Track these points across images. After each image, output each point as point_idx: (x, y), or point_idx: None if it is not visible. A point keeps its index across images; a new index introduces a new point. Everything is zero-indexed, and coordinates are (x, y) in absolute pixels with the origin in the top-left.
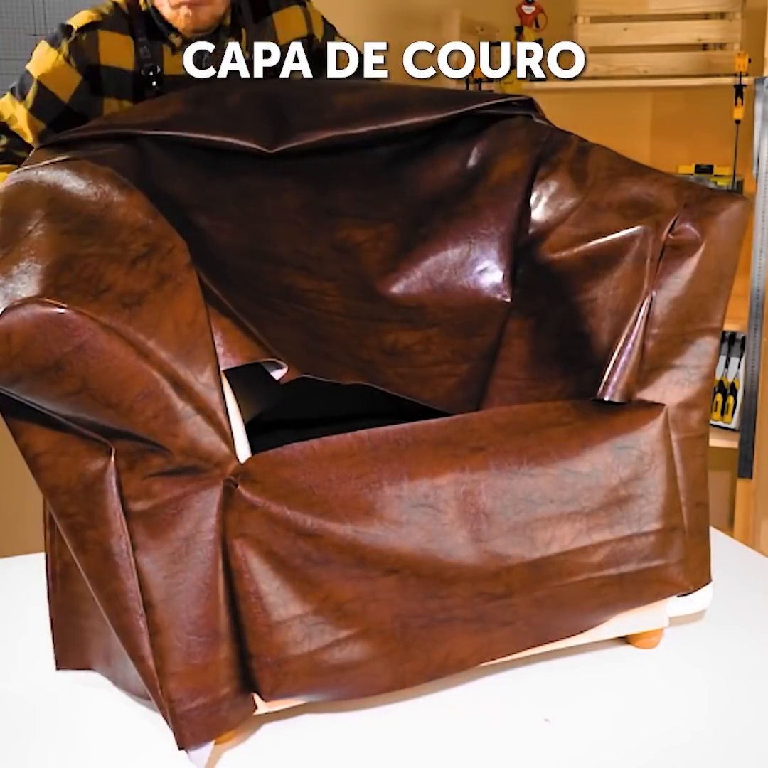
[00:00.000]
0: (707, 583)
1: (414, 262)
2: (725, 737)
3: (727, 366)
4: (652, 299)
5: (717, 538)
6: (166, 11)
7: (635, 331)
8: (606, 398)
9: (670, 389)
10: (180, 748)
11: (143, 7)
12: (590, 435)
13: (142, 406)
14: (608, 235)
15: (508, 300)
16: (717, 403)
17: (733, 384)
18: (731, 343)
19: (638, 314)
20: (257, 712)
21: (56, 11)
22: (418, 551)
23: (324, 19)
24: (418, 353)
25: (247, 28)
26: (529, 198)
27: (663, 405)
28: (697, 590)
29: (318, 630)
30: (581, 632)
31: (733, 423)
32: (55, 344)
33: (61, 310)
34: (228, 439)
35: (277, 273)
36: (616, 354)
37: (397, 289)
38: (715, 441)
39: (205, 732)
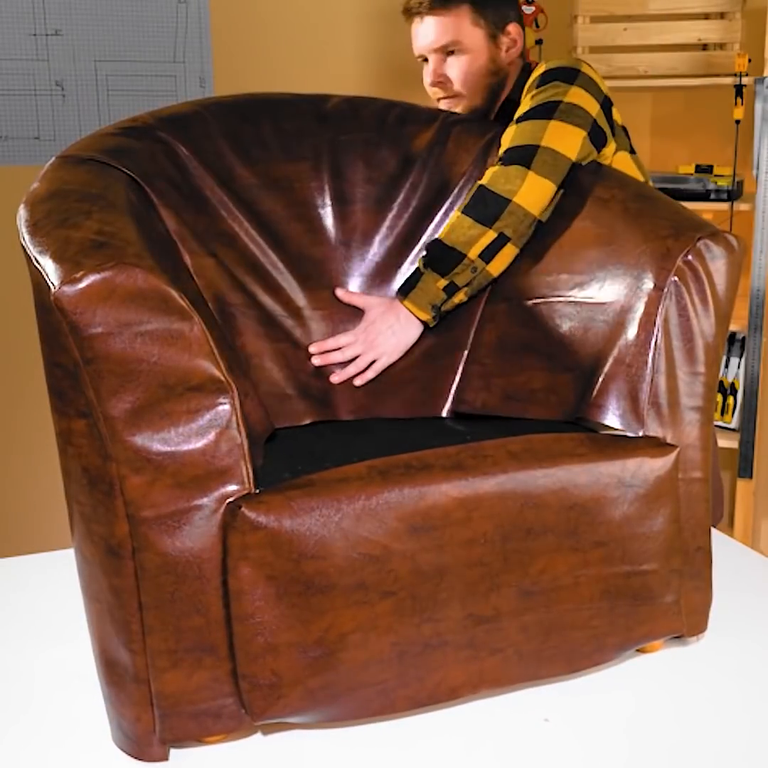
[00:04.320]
0: (703, 631)
1: (413, 258)
2: (726, 737)
3: (727, 366)
4: (660, 332)
5: (717, 538)
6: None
7: (648, 362)
8: (602, 421)
9: (683, 429)
10: (163, 743)
11: None
12: (600, 470)
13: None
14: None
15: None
16: (717, 402)
17: (733, 384)
18: (731, 343)
19: (650, 346)
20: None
21: (56, 11)
22: (415, 572)
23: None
24: (405, 384)
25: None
26: None
27: (675, 446)
28: (691, 636)
29: (318, 660)
30: (573, 671)
31: (733, 423)
32: (146, 312)
33: (163, 286)
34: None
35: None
36: (616, 378)
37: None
38: (717, 441)
39: (184, 736)
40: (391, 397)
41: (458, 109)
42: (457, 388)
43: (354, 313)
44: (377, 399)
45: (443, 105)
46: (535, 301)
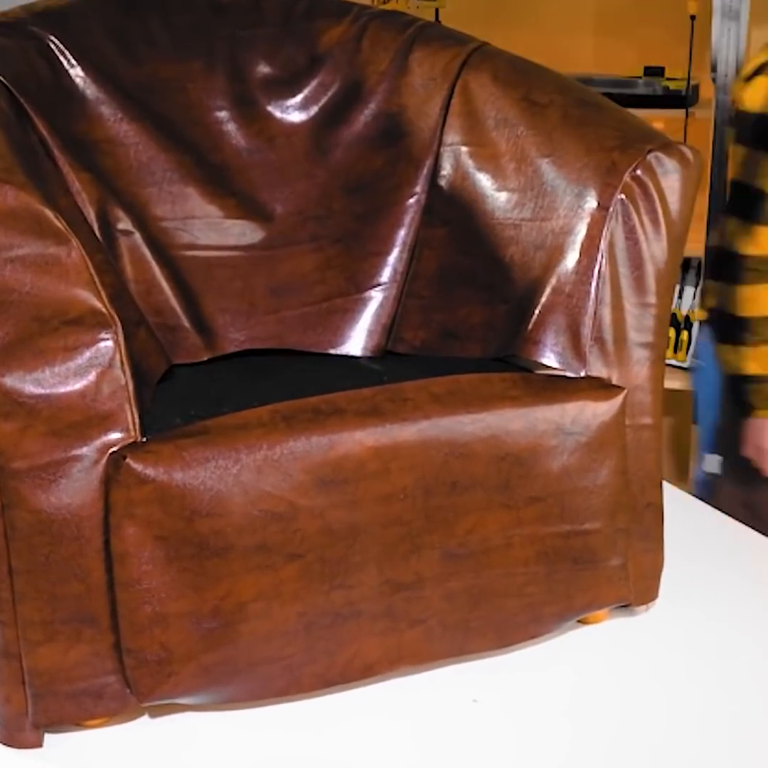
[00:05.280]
0: (653, 599)
1: (329, 165)
2: (675, 718)
3: (680, 296)
4: (604, 258)
5: (669, 493)
6: None
7: (591, 292)
8: (538, 360)
9: (630, 369)
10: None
11: None
12: (536, 415)
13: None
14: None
15: (424, 202)
16: (669, 338)
17: (687, 317)
18: (685, 270)
19: (592, 274)
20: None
21: None
22: (325, 532)
23: None
24: (311, 285)
25: None
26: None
27: (622, 388)
28: (640, 605)
29: (213, 632)
30: (505, 645)
31: (687, 361)
32: (16, 235)
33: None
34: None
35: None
36: (555, 310)
37: (306, 194)
38: (666, 382)
39: (60, 719)
40: (311, 331)
41: None
42: (394, 324)
43: (260, 224)
44: (291, 332)
45: None
46: (475, 224)
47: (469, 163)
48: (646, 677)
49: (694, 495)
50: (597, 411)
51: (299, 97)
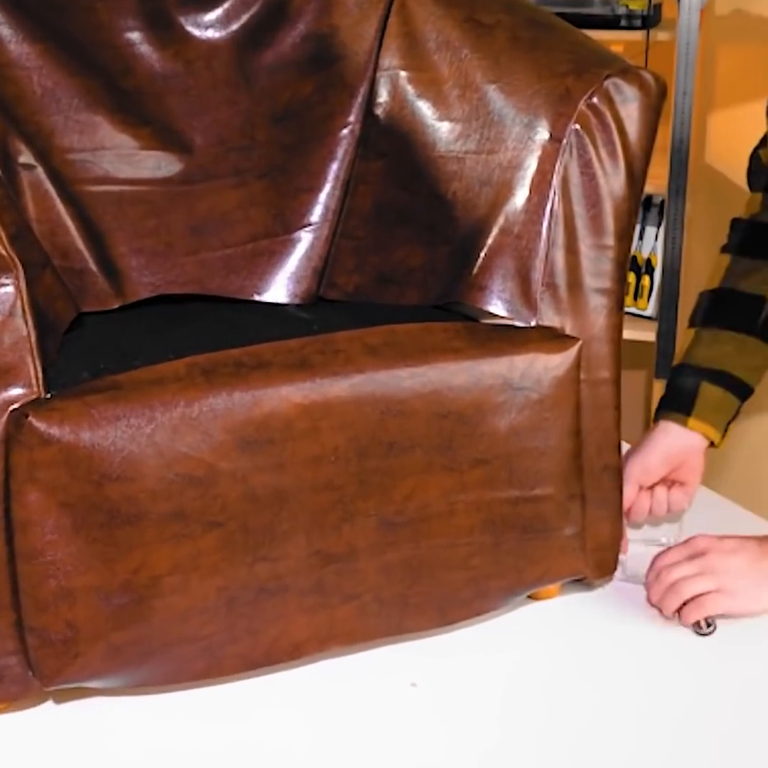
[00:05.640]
0: (611, 573)
1: (253, 92)
2: (635, 704)
3: (641, 238)
4: (556, 195)
5: None
6: None
7: (542, 232)
8: (484, 307)
9: (586, 317)
10: None
11: None
12: (481, 369)
13: None
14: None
15: (358, 133)
16: (629, 284)
17: (648, 260)
18: (646, 208)
19: (544, 212)
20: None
21: None
22: (248, 498)
23: None
24: (234, 224)
25: None
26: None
27: (577, 339)
28: (597, 579)
29: (125, 608)
30: (447, 624)
31: (649, 310)
32: None
33: None
34: None
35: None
36: (502, 253)
37: (228, 123)
38: (628, 332)
39: None
40: (234, 275)
41: None
42: (325, 268)
43: (177, 156)
44: (212, 276)
45: None
46: (414, 157)
47: (408, 90)
48: (603, 658)
49: None
50: (549, 364)
51: (218, 12)
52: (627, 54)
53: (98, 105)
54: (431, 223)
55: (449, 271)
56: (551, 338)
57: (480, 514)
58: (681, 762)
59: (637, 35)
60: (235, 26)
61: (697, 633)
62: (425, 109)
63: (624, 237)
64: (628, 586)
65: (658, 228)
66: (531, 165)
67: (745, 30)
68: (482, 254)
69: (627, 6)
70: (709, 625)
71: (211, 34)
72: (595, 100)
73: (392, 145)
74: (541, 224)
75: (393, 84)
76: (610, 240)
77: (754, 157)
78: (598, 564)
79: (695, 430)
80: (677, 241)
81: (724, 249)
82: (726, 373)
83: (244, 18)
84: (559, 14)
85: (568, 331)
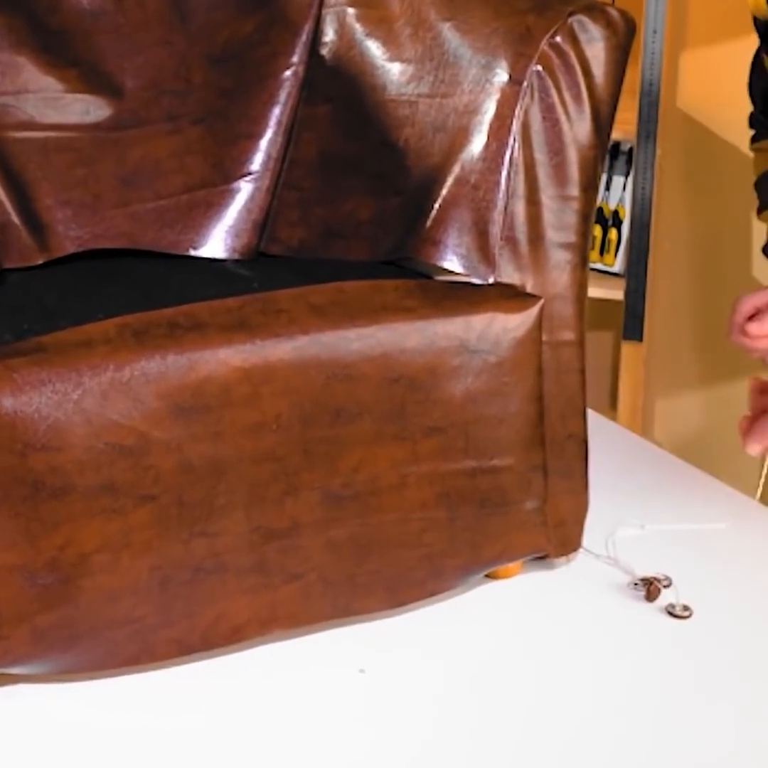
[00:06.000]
0: (575, 549)
1: (189, 31)
2: (596, 688)
3: (608, 188)
4: (516, 141)
5: (595, 423)
6: None
7: (501, 182)
8: (438, 263)
9: (548, 274)
10: None
11: None
12: (435, 330)
13: None
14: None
15: (302, 75)
16: (595, 238)
17: (616, 212)
18: (614, 156)
19: (503, 161)
20: None
21: None
22: (183, 469)
23: None
24: (168, 174)
25: None
26: None
27: (538, 297)
28: (560, 556)
29: (50, 589)
30: (398, 605)
31: (617, 266)
32: None
33: None
34: None
35: None
36: (458, 204)
37: (162, 65)
38: (593, 290)
39: None
40: (168, 228)
41: None
42: (267, 221)
43: (106, 100)
44: (144, 230)
45: None
46: (363, 101)
47: (356, 28)
48: (566, 640)
49: None
50: (508, 324)
51: None
52: None
53: (21, 45)
54: (381, 173)
55: (401, 225)
56: (511, 297)
57: (434, 486)
58: (644, 745)
59: None
60: None
61: (671, 614)
62: (375, 48)
63: (589, 187)
64: (593, 564)
65: (626, 177)
66: (489, 109)
67: None
68: (436, 206)
69: None
70: (685, 609)
71: None
72: (558, 39)
73: (339, 88)
74: (500, 173)
75: (340, 22)
76: (574, 190)
77: (757, 63)
78: (561, 540)
79: None
80: (647, 192)
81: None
82: None
83: None
84: None
85: (528, 288)
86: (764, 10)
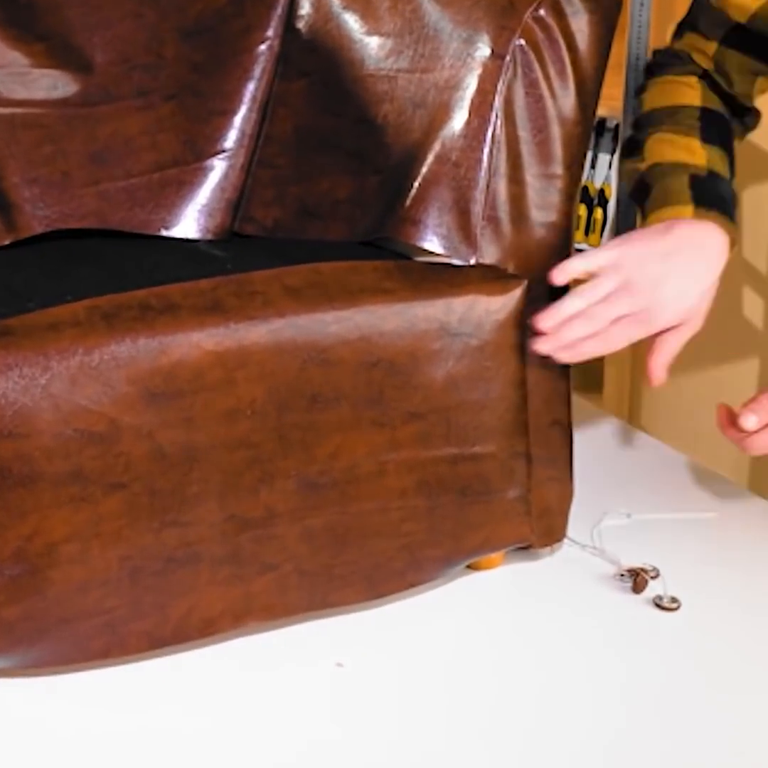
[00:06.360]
0: (559, 540)
1: (160, 3)
2: (581, 682)
3: (593, 166)
4: (499, 118)
5: (580, 409)
6: None
7: (483, 160)
8: (418, 244)
9: (531, 255)
10: None
11: None
12: (415, 312)
13: None
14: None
15: (277, 49)
16: (579, 217)
17: (601, 191)
18: (599, 133)
19: (485, 138)
20: None
21: None
22: (155, 457)
23: None
24: (139, 151)
25: None
26: None
27: (521, 279)
28: (543, 546)
29: (17, 580)
30: (377, 597)
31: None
32: None
33: None
34: None
35: None
36: (438, 183)
37: (132, 39)
38: None
39: None
40: (139, 207)
41: None
42: (241, 200)
43: (75, 75)
44: (114, 209)
45: None
46: (340, 76)
47: (333, 1)
48: (549, 633)
49: None
50: (490, 307)
51: None
52: None
53: None
54: (359, 150)
55: (379, 204)
56: (493, 278)
57: (413, 474)
58: (632, 736)
59: None
60: None
61: (659, 606)
62: (352, 22)
63: (574, 165)
64: (578, 554)
65: (612, 155)
66: (470, 85)
67: None
68: (416, 184)
69: None
70: (673, 601)
71: None
72: (541, 12)
73: (315, 63)
74: (482, 151)
75: None
76: (558, 168)
77: None
78: (545, 530)
79: None
80: None
81: None
82: None
83: None
84: None
85: (511, 270)
86: None
